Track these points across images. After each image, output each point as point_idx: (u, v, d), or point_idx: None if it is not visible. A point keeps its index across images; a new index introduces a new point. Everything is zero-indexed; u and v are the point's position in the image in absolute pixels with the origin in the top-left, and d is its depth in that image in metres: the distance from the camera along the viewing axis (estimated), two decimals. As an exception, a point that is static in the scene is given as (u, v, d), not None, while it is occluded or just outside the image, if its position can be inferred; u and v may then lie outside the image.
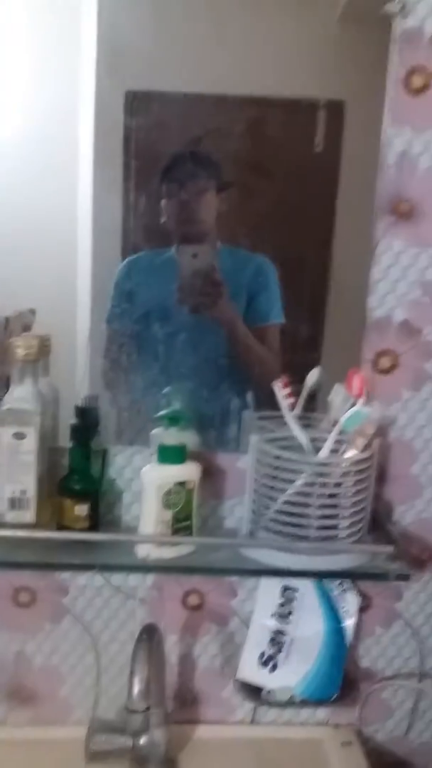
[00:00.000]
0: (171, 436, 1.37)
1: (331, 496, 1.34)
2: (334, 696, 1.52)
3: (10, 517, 1.34)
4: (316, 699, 1.52)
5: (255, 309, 1.46)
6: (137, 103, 1.37)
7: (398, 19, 1.34)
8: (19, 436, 1.31)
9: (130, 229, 1.42)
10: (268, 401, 1.39)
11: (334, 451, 1.34)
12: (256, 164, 1.41)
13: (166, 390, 1.45)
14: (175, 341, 1.44)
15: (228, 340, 1.46)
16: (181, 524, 1.36)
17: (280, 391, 1.36)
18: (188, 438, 1.40)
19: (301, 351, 1.47)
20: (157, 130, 1.38)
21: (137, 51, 1.36)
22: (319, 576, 1.49)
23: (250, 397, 1.48)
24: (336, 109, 1.40)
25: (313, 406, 1.43)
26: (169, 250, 1.43)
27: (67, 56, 1.36)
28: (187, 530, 1.37)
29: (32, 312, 1.40)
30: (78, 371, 1.44)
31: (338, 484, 1.34)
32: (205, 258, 1.42)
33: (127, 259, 1.43)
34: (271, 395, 1.37)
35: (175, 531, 1.36)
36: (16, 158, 1.38)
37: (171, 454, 1.35)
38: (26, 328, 1.40)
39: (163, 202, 1.41)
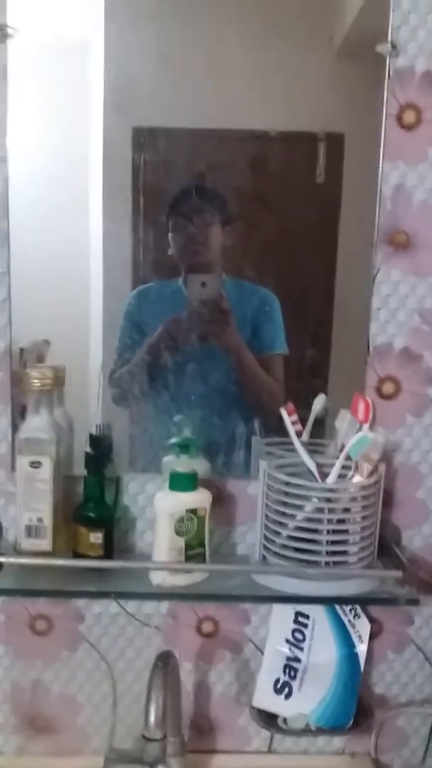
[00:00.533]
0: (182, 464, 1.38)
1: (340, 521, 1.36)
2: (349, 724, 1.52)
3: (27, 544, 1.37)
4: (330, 726, 1.51)
5: (259, 340, 1.47)
6: (144, 139, 1.39)
7: (390, 58, 1.37)
8: (36, 464, 1.34)
9: (140, 262, 1.44)
10: (276, 428, 1.42)
11: (341, 476, 1.36)
12: (259, 197, 1.44)
13: (176, 418, 1.46)
14: (185, 370, 1.46)
15: (235, 368, 1.47)
16: (194, 551, 1.37)
17: (287, 417, 1.39)
18: (199, 465, 1.41)
19: (307, 378, 1.48)
20: (163, 165, 1.40)
21: (143, 89, 1.39)
22: (330, 602, 1.49)
23: (257, 424, 1.49)
24: (336, 142, 1.42)
25: (320, 431, 1.45)
26: (176, 282, 1.45)
27: (76, 95, 1.39)
28: (200, 557, 1.38)
29: (47, 342, 1.43)
30: (91, 400, 1.46)
31: (347, 510, 1.36)
32: (214, 286, 1.44)
33: (136, 290, 1.45)
34: (279, 422, 1.40)
35: (188, 558, 1.37)
36: (30, 197, 1.40)
37: (182, 482, 1.37)
38: (40, 358, 1.42)
39: (170, 235, 1.43)
